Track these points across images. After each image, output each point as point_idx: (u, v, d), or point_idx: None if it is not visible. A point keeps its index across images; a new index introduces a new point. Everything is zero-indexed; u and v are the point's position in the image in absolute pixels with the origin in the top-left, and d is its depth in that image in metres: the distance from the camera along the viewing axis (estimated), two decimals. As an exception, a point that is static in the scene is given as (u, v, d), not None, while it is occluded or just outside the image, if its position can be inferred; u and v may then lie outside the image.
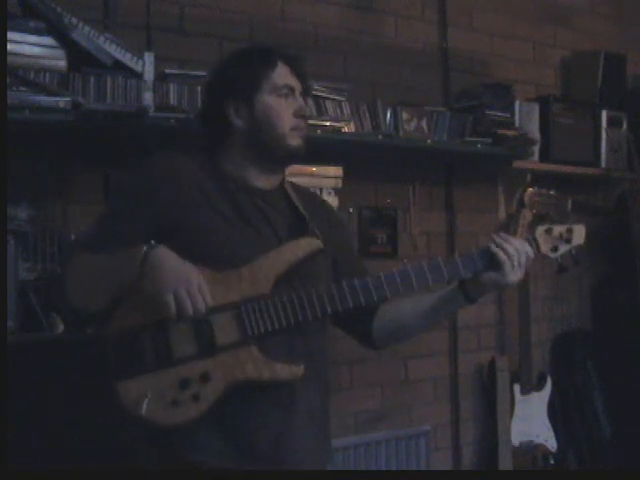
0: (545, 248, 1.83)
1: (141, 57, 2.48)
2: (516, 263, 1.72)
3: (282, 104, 1.75)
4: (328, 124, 2.83)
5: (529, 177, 3.54)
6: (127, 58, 2.46)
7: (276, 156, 1.77)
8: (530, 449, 3.51)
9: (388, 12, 3.42)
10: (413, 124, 3.09)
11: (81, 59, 2.38)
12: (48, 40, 2.33)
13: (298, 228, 1.77)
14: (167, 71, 2.56)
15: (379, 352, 3.08)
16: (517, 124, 3.43)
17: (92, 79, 2.39)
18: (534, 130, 3.53)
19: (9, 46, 2.21)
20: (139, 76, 2.47)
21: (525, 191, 3.51)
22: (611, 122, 3.79)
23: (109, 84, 2.41)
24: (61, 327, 2.34)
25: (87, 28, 2.40)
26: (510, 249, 1.72)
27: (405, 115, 3.07)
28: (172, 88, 2.53)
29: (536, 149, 3.52)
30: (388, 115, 3.04)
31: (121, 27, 2.62)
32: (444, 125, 3.20)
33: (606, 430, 3.73)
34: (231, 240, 1.68)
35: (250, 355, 1.63)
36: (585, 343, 3.84)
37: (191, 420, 1.61)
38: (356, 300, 1.69)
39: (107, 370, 1.64)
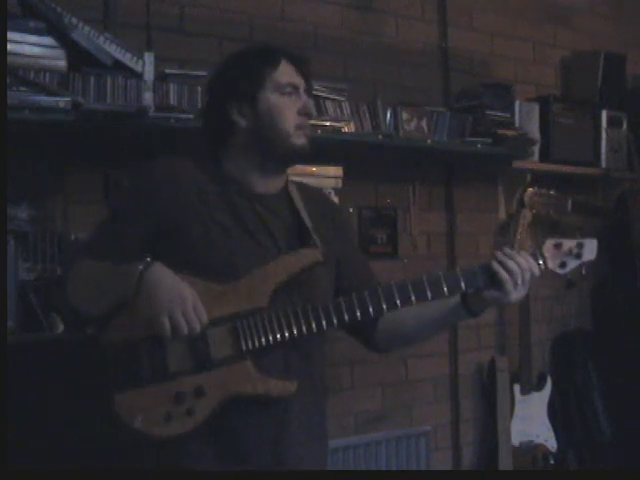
0: (553, 264, 1.75)
1: (141, 57, 2.48)
2: (519, 281, 1.67)
3: (286, 102, 1.74)
4: (328, 124, 2.83)
5: (529, 177, 3.55)
6: (127, 58, 2.46)
7: (280, 155, 1.75)
8: (530, 449, 3.51)
9: (388, 12, 3.41)
10: (413, 124, 3.09)
11: (81, 59, 2.38)
12: (48, 40, 2.33)
13: (299, 236, 1.76)
14: (167, 71, 2.56)
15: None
16: (517, 124, 3.43)
17: (92, 79, 2.39)
18: (534, 130, 3.53)
19: (9, 46, 2.21)
20: (139, 76, 2.47)
21: (525, 191, 3.51)
22: (611, 122, 3.79)
23: (109, 84, 2.41)
24: (61, 327, 2.34)
25: (87, 28, 2.40)
26: (513, 267, 1.67)
27: (405, 115, 3.07)
28: (172, 88, 2.53)
29: (536, 149, 3.52)
30: (388, 115, 3.04)
31: (121, 27, 2.62)
32: (444, 125, 3.20)
33: (606, 430, 3.72)
34: (229, 251, 1.67)
35: (244, 370, 1.63)
36: (585, 343, 3.83)
37: (185, 434, 1.61)
38: (352, 316, 1.67)
39: (103, 378, 1.66)
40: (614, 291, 3.84)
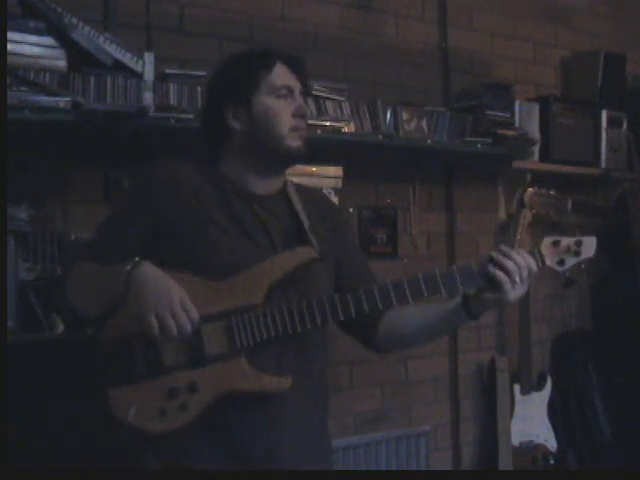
0: (551, 261, 1.72)
1: (141, 57, 2.48)
2: (518, 280, 1.64)
3: (281, 105, 1.74)
4: (328, 124, 2.83)
5: (529, 177, 3.55)
6: (127, 58, 2.46)
7: (275, 158, 1.76)
8: (530, 449, 3.51)
9: (388, 12, 3.42)
10: (413, 124, 3.09)
11: (81, 59, 2.38)
12: (48, 40, 2.33)
13: (296, 237, 1.76)
14: (167, 71, 2.56)
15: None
16: (517, 124, 3.43)
17: (92, 79, 2.39)
18: (534, 130, 3.53)
19: (9, 46, 2.21)
20: (139, 76, 2.47)
21: (525, 191, 3.51)
22: (611, 122, 3.79)
23: (109, 84, 2.41)
24: (61, 327, 2.34)
25: (87, 28, 2.40)
26: (510, 266, 1.64)
27: (405, 115, 3.07)
28: (172, 88, 2.53)
29: (536, 149, 3.52)
30: (388, 115, 3.04)
31: (121, 27, 2.62)
32: (444, 125, 3.20)
33: (606, 430, 3.72)
34: (227, 252, 1.67)
35: (238, 367, 1.63)
36: (585, 343, 3.83)
37: (179, 429, 1.62)
38: (347, 312, 1.67)
39: (101, 376, 1.67)
40: (614, 291, 3.84)
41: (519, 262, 1.65)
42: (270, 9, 3.09)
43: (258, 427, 1.66)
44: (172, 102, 2.51)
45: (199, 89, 2.54)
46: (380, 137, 2.99)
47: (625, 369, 3.71)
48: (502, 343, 3.67)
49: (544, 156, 3.56)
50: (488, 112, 3.30)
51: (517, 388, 3.50)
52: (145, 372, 1.64)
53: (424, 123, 3.13)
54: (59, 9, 2.36)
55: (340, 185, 2.91)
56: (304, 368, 1.72)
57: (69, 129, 2.38)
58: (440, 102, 3.44)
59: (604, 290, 3.89)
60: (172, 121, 2.45)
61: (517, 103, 3.48)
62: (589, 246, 1.74)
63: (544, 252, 1.72)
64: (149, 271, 1.60)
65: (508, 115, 3.38)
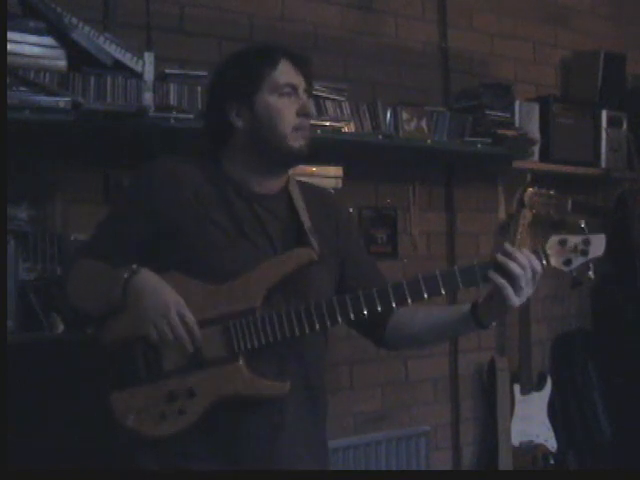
0: (557, 261, 1.66)
1: (141, 57, 2.48)
2: (523, 284, 1.60)
3: (284, 103, 1.71)
4: (328, 124, 2.83)
5: (529, 177, 3.55)
6: (127, 58, 2.46)
7: (277, 157, 1.74)
8: (530, 449, 3.51)
9: (388, 12, 3.42)
10: (413, 124, 3.09)
11: (81, 59, 2.38)
12: (48, 40, 2.33)
13: (297, 237, 1.74)
14: (167, 71, 2.56)
15: (379, 352, 3.10)
16: (517, 124, 3.43)
17: (92, 79, 2.39)
18: (534, 130, 3.52)
19: (9, 46, 2.21)
20: (139, 76, 2.47)
21: (525, 191, 3.51)
22: (611, 122, 3.79)
23: (109, 84, 2.41)
24: (61, 327, 2.34)
25: (87, 28, 2.40)
26: (514, 270, 1.59)
27: (405, 115, 3.07)
28: (172, 88, 2.53)
29: (536, 149, 3.52)
30: (388, 115, 3.04)
31: (121, 27, 2.62)
32: (444, 125, 3.20)
33: (606, 430, 3.72)
34: (226, 252, 1.67)
35: (236, 371, 1.63)
36: (585, 343, 3.83)
37: (178, 433, 1.62)
38: (346, 315, 1.65)
39: (101, 377, 1.67)
40: (614, 291, 3.84)
41: (523, 263, 1.60)
42: (270, 9, 3.09)
43: (257, 432, 1.66)
44: (172, 102, 2.51)
45: (199, 89, 2.53)
46: (380, 137, 2.99)
47: (625, 369, 3.71)
48: (502, 343, 3.67)
49: (544, 156, 3.56)
50: (488, 112, 3.30)
51: (517, 388, 3.50)
52: (145, 376, 1.64)
53: (424, 123, 3.12)
54: (59, 9, 2.36)
55: (340, 185, 2.91)
56: (304, 373, 1.71)
57: (69, 129, 2.37)
58: (440, 102, 3.44)
59: (604, 290, 3.89)
60: (172, 121, 2.45)
61: (517, 103, 3.48)
62: (598, 245, 1.67)
63: (549, 252, 1.66)
64: (146, 279, 1.61)
65: (508, 115, 3.38)
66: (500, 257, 1.62)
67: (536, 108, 3.57)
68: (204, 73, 2.48)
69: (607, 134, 3.76)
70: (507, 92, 3.45)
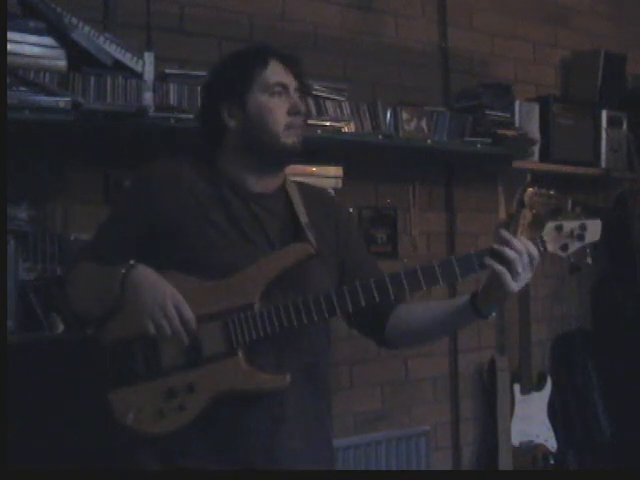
0: (553, 247, 1.67)
1: (141, 57, 2.48)
2: (520, 269, 1.60)
3: (275, 102, 1.73)
4: (328, 124, 2.83)
5: (529, 177, 3.54)
6: (127, 58, 2.46)
7: (271, 156, 1.75)
8: (530, 449, 3.51)
9: (388, 12, 3.42)
10: (413, 124, 3.09)
11: (81, 59, 2.38)
12: (48, 40, 2.33)
13: (294, 235, 1.75)
14: (167, 71, 2.56)
15: (379, 352, 3.10)
16: (517, 124, 3.43)
17: (92, 79, 2.39)
18: (534, 130, 3.53)
19: (9, 46, 2.21)
20: (139, 76, 2.47)
21: (525, 191, 3.49)
22: (611, 122, 3.79)
23: (109, 84, 2.41)
24: (61, 327, 2.34)
25: (87, 28, 2.40)
26: (510, 255, 1.60)
27: (405, 115, 3.07)
28: (172, 88, 2.53)
29: (536, 149, 3.52)
30: (388, 115, 3.04)
31: (121, 27, 2.62)
32: (444, 125, 3.20)
33: (606, 430, 3.73)
34: (225, 252, 1.68)
35: (236, 366, 1.63)
36: (585, 343, 3.84)
37: (178, 429, 1.62)
38: (344, 306, 1.65)
39: (101, 377, 1.68)
40: (614, 290, 3.84)
41: (519, 248, 1.61)
42: (270, 9, 3.09)
43: (258, 426, 1.66)
44: (172, 102, 2.52)
45: (199, 89, 2.52)
46: (380, 137, 2.99)
47: (625, 369, 3.71)
48: (502, 343, 3.67)
49: (544, 156, 3.56)
50: (488, 112, 3.30)
51: (517, 388, 3.50)
52: (144, 373, 1.65)
53: (424, 123, 3.13)
54: (59, 9, 2.36)
55: (340, 185, 2.91)
56: (305, 367, 1.72)
57: (69, 129, 2.38)
58: (440, 102, 3.44)
59: (604, 290, 3.89)
60: (172, 121, 2.45)
61: (517, 103, 3.48)
62: (593, 230, 1.69)
63: (546, 238, 1.67)
64: (144, 274, 1.62)
65: (508, 115, 3.38)
66: (497, 245, 1.63)
67: (536, 108, 3.57)
68: (204, 73, 2.46)
69: (607, 134, 3.77)
70: (507, 92, 3.46)
